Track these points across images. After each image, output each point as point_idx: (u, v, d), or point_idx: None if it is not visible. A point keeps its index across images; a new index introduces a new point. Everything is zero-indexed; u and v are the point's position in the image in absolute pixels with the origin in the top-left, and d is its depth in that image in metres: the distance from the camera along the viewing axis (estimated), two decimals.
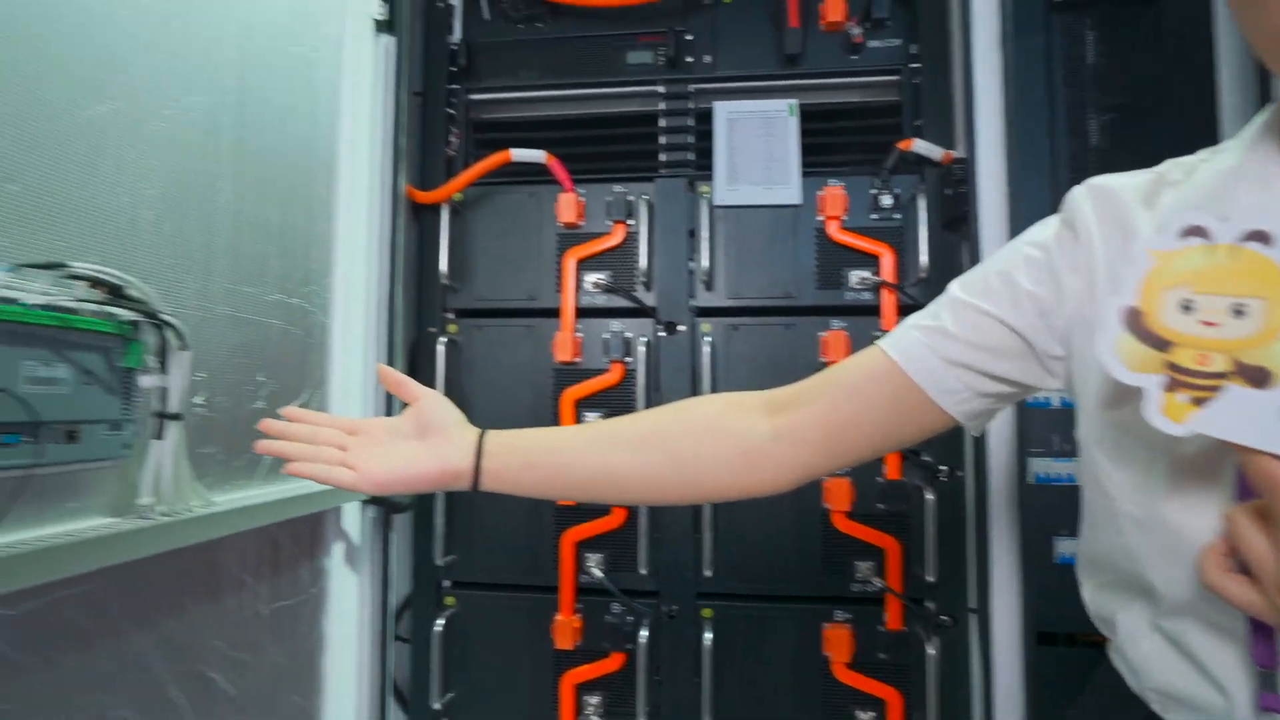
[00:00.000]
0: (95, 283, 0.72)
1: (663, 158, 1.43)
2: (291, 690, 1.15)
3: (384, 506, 1.32)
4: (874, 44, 1.38)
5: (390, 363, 1.33)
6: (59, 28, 0.73)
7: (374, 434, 0.69)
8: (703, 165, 1.40)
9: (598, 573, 1.33)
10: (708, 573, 1.31)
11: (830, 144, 1.41)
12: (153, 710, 0.86)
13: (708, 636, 1.29)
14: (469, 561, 1.39)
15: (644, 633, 1.29)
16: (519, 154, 1.36)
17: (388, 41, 1.35)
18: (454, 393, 1.40)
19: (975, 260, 1.18)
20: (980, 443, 1.18)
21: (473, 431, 0.69)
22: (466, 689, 1.38)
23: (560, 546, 1.33)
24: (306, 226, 1.18)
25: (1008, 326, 0.57)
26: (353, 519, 1.29)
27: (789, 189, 1.35)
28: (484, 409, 1.40)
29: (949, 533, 1.25)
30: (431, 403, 0.70)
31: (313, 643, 1.21)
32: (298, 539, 1.16)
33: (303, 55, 1.17)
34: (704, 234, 1.34)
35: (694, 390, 1.34)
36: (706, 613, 1.32)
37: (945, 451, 1.26)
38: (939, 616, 1.24)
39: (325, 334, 1.24)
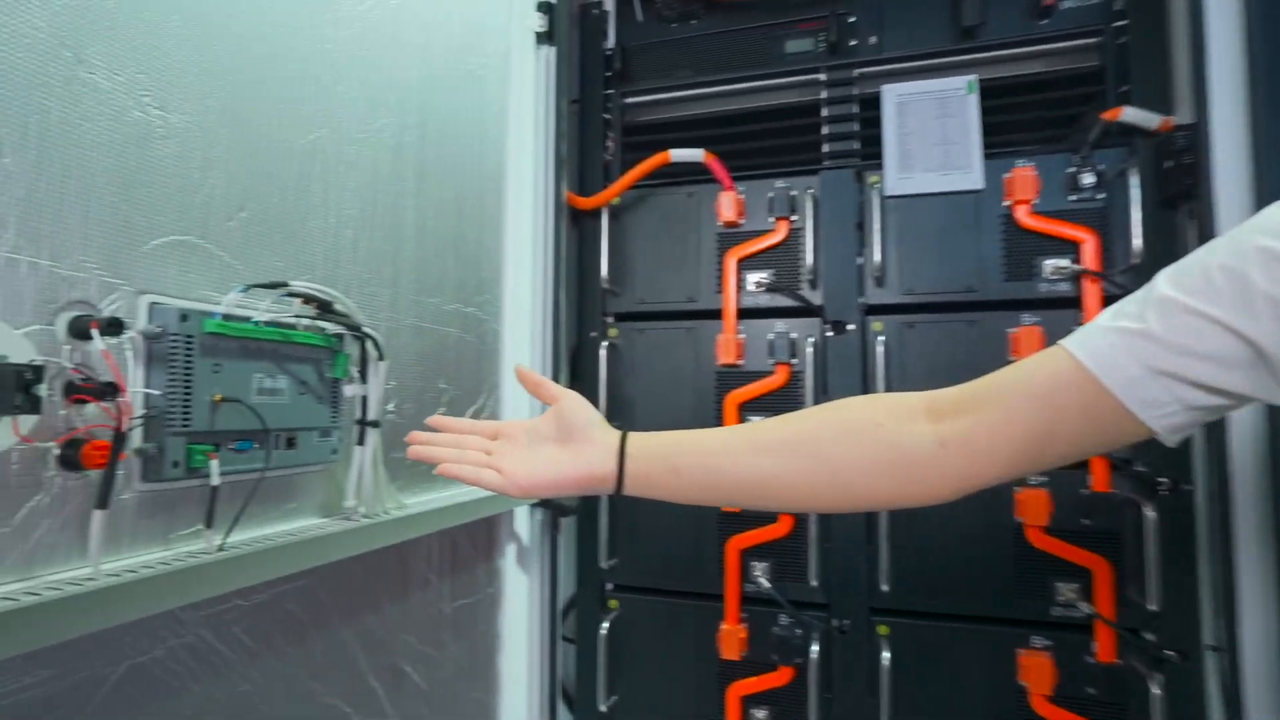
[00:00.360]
0: (309, 299, 0.77)
1: (826, 149, 1.35)
2: (471, 686, 1.20)
3: (551, 509, 1.34)
4: (1068, 4, 1.24)
5: (554, 367, 1.35)
6: (277, 69, 0.79)
7: (515, 437, 0.69)
8: (870, 154, 1.32)
9: (764, 582, 1.28)
10: (884, 587, 1.22)
11: (1015, 122, 1.28)
12: (356, 698, 0.92)
13: (885, 655, 1.20)
14: (632, 565, 1.39)
15: (814, 647, 1.23)
16: (678, 154, 1.34)
17: (548, 52, 1.37)
18: (616, 397, 1.40)
19: (1207, 239, 1.02)
20: (1216, 449, 1.02)
21: (614, 433, 0.67)
22: (631, 693, 1.38)
23: (725, 554, 1.30)
24: (478, 237, 1.22)
25: (1236, 334, 0.48)
26: (523, 522, 1.33)
27: (969, 174, 1.24)
28: (646, 413, 1.39)
29: (1175, 555, 1.09)
30: (571, 403, 0.69)
31: (489, 641, 1.25)
32: (475, 540, 1.20)
33: (473, 72, 1.21)
34: (874, 227, 1.26)
35: (866, 394, 1.26)
36: (883, 630, 1.23)
37: (1165, 461, 1.10)
38: (1163, 651, 1.08)
39: (497, 340, 1.28)
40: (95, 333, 0.57)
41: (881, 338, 1.25)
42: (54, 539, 0.57)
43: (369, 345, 0.84)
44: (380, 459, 0.88)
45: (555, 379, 1.35)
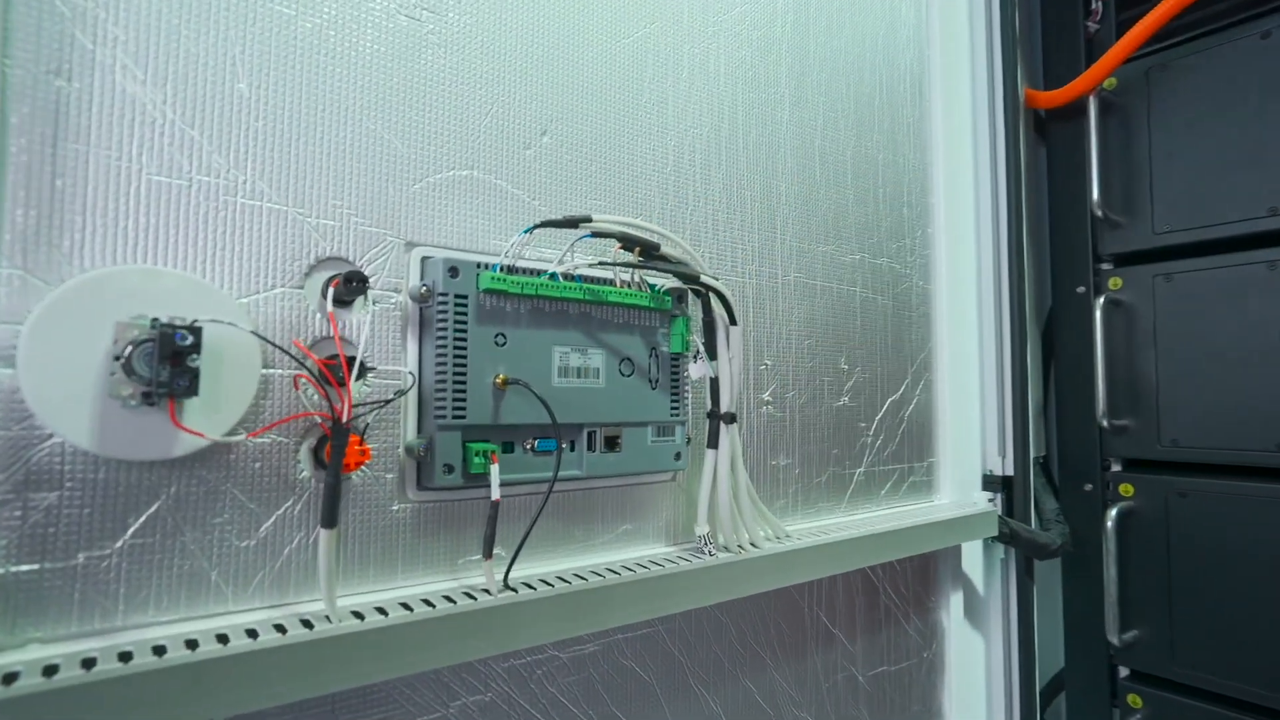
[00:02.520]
0: (626, 241, 0.55)
1: None
2: None
3: (1021, 545, 0.91)
4: None
5: (1020, 338, 0.92)
6: None
7: None
8: None
9: None
10: None
11: None
12: None
13: None
14: (1167, 646, 0.87)
15: None
16: None
17: None
18: (1125, 383, 0.90)
19: None
20: None
21: None
22: None
23: None
24: (891, 161, 0.87)
25: None
26: (976, 561, 0.92)
27: None
28: (1190, 417, 0.85)
29: None
30: None
31: None
32: (901, 585, 0.86)
33: None
34: None
35: None
36: None
37: None
38: None
39: (927, 304, 0.91)
40: (330, 293, 0.43)
41: None
42: (307, 557, 0.45)
43: (715, 304, 0.59)
44: (742, 469, 0.62)
45: (1019, 358, 0.91)
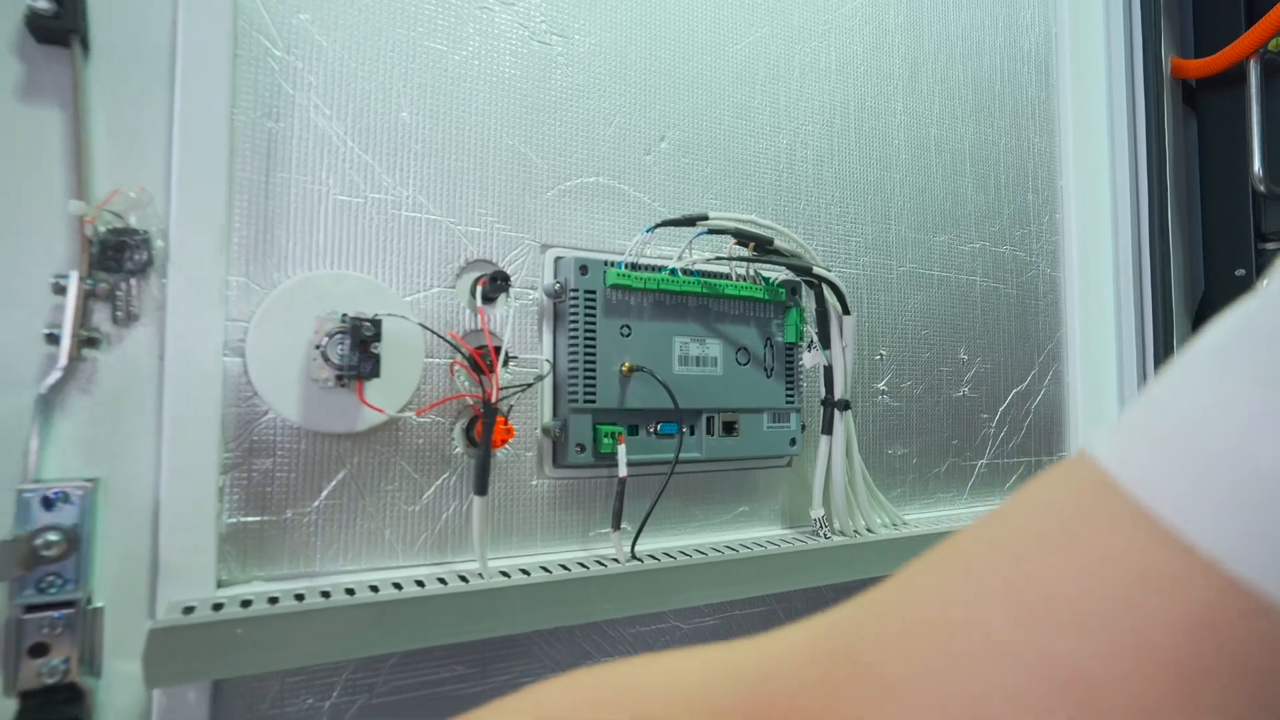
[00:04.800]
0: (741, 237, 0.58)
1: None
2: None
3: None
4: None
5: (1165, 327, 0.87)
6: None
7: None
8: None
9: None
10: None
11: None
12: None
13: None
14: None
15: None
16: None
17: None
18: None
19: None
20: None
21: None
22: None
23: None
24: (1014, 146, 0.85)
25: None
26: None
27: None
28: None
29: None
30: None
31: None
32: None
33: None
34: None
35: None
36: None
37: None
38: None
39: (1055, 291, 0.88)
40: (479, 291, 0.50)
41: None
42: (464, 523, 0.51)
43: (828, 295, 0.61)
44: (856, 455, 0.63)
45: (1162, 350, 0.86)
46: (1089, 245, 0.89)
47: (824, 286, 0.61)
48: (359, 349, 0.41)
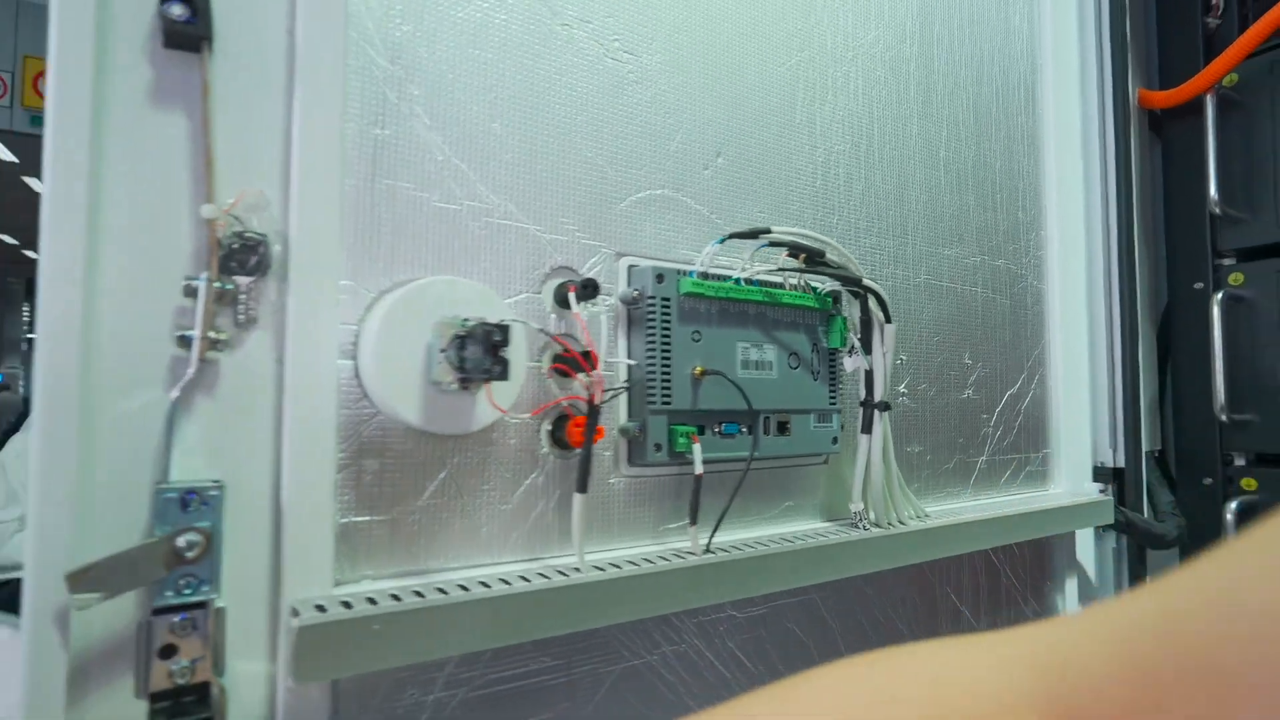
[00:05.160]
0: (795, 249, 0.62)
1: None
2: None
3: (1135, 535, 0.95)
4: None
5: (1131, 334, 0.95)
6: None
7: None
8: None
9: None
10: None
11: None
12: None
13: None
14: None
15: None
16: None
17: None
18: (1246, 380, 0.92)
19: None
20: None
21: None
22: None
23: None
24: (1007, 165, 0.92)
25: None
26: (1088, 549, 0.96)
27: None
28: None
29: None
30: None
31: None
32: (1018, 568, 0.91)
33: None
34: None
35: None
36: None
37: None
38: None
39: (1041, 302, 0.95)
40: (572, 298, 0.52)
41: None
42: (550, 520, 0.53)
43: (872, 304, 0.65)
44: (891, 452, 0.68)
45: (1130, 356, 0.95)
46: (1067, 259, 0.97)
47: (869, 296, 0.65)
48: (490, 353, 0.42)
